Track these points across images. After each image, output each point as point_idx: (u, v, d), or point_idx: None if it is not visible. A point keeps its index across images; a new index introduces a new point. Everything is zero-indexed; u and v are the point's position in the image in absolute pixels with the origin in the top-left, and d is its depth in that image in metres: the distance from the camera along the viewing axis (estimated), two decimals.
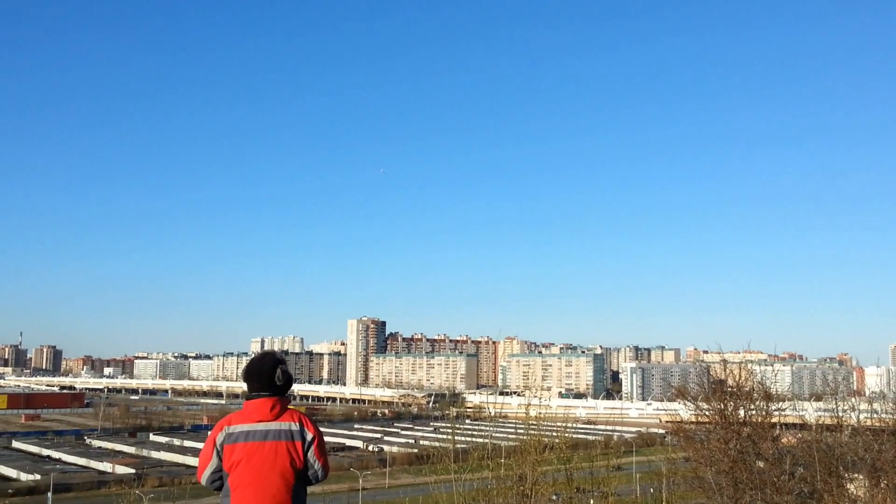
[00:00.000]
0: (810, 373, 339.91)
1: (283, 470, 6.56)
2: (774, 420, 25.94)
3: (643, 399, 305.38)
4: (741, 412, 23.48)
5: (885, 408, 27.90)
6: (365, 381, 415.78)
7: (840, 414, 25.26)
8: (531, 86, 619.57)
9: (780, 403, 27.85)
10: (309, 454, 6.69)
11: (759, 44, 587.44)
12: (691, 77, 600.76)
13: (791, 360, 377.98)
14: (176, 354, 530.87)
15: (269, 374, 6.74)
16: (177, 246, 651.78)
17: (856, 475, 24.63)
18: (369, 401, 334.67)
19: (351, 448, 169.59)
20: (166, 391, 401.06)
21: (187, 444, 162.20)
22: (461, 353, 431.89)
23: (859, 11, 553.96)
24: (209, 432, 6.90)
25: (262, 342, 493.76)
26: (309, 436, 6.71)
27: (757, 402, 24.30)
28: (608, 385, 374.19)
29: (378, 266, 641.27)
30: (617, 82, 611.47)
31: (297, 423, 6.70)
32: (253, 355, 7.34)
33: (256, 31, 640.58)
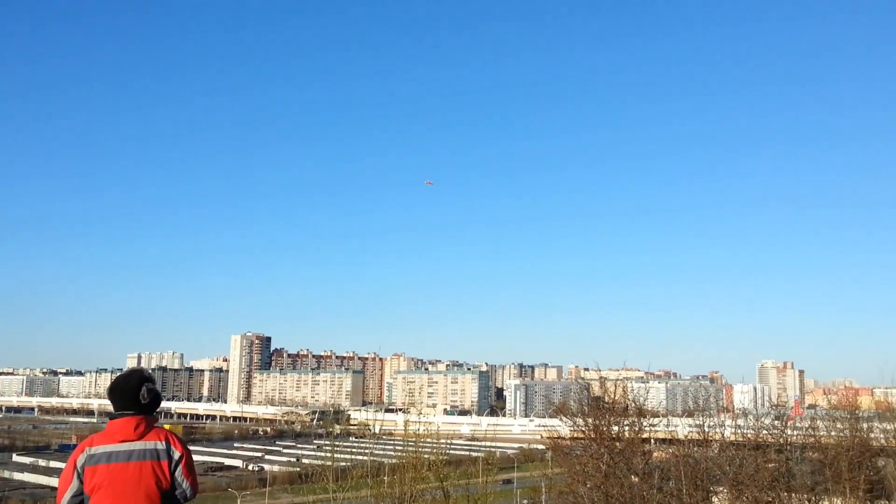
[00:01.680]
0: (683, 390, 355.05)
1: (149, 491, 6.44)
2: (646, 435, 27.01)
3: (526, 416, 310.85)
4: (615, 428, 24.33)
5: (747, 424, 29.51)
6: (247, 398, 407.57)
7: (707, 430, 26.54)
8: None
9: (653, 419, 29.02)
10: (176, 473, 6.60)
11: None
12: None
13: (666, 378, 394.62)
14: (44, 370, 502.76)
15: (133, 392, 6.63)
16: (47, 253, 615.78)
17: (720, 488, 25.92)
18: (251, 419, 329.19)
19: (230, 467, 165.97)
20: (33, 409, 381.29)
21: (53, 464, 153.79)
22: (347, 369, 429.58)
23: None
24: None
25: (139, 358, 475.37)
26: (176, 454, 6.61)
27: (630, 418, 25.24)
28: (493, 402, 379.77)
29: (265, 280, 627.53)
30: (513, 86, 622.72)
31: (164, 442, 6.58)
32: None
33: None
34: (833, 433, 31.12)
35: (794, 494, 26.13)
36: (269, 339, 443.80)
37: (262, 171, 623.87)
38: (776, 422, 30.65)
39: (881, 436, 35.29)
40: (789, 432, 29.57)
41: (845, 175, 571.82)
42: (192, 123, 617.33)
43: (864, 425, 35.09)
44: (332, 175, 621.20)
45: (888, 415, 40.70)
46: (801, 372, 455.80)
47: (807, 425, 32.77)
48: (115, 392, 6.69)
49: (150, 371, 7.93)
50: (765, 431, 27.49)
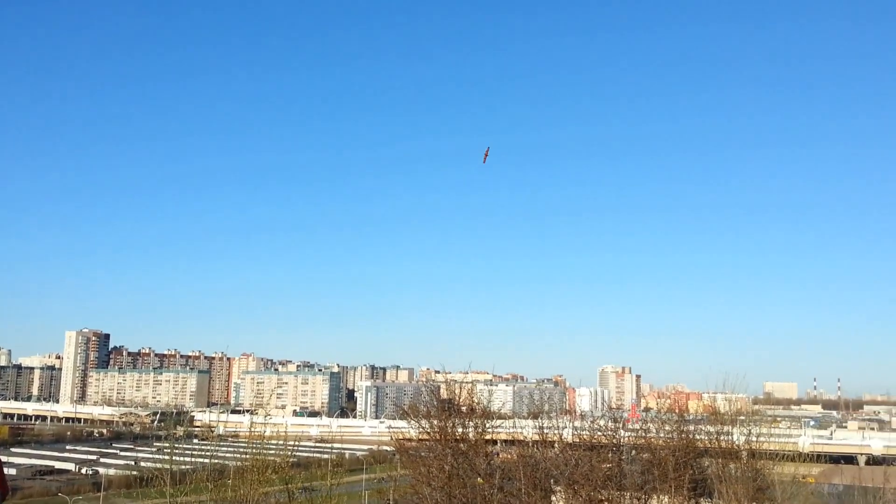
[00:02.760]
0: (529, 393, 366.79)
1: None
2: (491, 437, 27.73)
3: (377, 417, 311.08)
4: (460, 429, 24.85)
5: (584, 426, 30.91)
6: (82, 398, 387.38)
7: (546, 431, 27.57)
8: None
9: (497, 421, 29.87)
10: None
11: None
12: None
13: (513, 381, 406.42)
14: None
15: None
16: None
17: (559, 488, 26.99)
18: (86, 419, 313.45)
19: (61, 471, 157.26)
20: None
21: None
22: (192, 369, 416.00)
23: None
24: None
25: None
26: None
27: (475, 420, 25.85)
28: (344, 403, 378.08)
29: (104, 276, 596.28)
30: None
31: None
32: None
33: None
34: (662, 435, 33.03)
35: (625, 493, 27.57)
36: (107, 336, 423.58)
37: (107, 167, 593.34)
38: (611, 424, 32.27)
39: (706, 437, 37.80)
40: (623, 434, 31.20)
41: (679, 184, 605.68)
42: (31, 117, 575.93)
43: (691, 427, 37.49)
44: (185, 171, 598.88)
45: (713, 418, 43.63)
46: (638, 377, 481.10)
47: (639, 427, 34.63)
48: None
49: None
50: (600, 433, 28.88)
